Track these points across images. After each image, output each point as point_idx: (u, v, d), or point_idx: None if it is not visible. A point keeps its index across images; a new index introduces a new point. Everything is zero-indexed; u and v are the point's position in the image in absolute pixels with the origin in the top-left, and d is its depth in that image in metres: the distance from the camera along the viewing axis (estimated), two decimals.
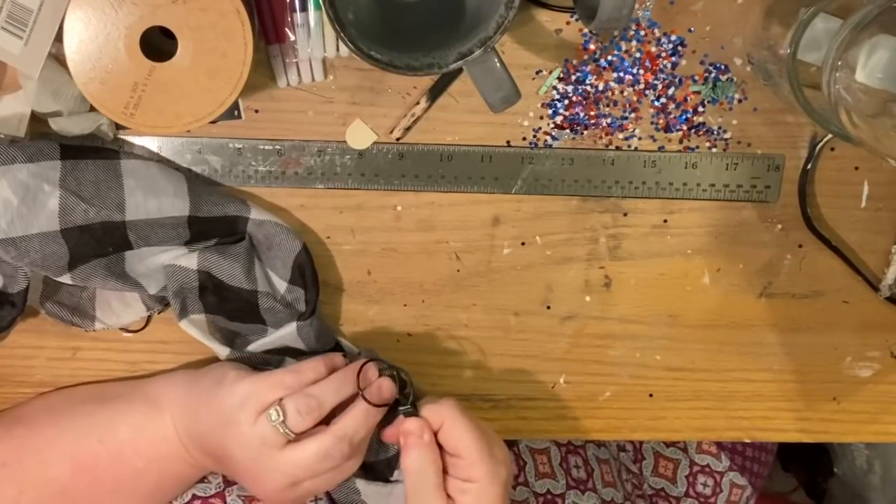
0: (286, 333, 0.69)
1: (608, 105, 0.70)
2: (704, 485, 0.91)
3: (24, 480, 0.66)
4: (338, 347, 0.72)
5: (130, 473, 0.67)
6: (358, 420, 0.63)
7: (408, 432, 0.63)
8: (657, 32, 0.68)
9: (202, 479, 0.71)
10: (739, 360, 0.76)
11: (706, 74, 0.69)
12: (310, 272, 0.69)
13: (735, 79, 0.70)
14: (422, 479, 0.63)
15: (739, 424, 0.78)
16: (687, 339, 0.76)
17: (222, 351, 0.69)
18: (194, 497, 0.70)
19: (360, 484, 0.70)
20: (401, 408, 0.65)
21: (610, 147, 0.71)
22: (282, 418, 0.61)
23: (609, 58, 0.69)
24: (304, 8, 0.65)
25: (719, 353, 0.76)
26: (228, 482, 0.71)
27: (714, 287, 0.74)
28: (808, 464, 1.43)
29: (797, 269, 0.74)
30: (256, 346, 0.69)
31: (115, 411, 0.68)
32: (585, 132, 0.70)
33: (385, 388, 0.64)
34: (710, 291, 0.75)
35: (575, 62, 0.69)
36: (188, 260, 0.67)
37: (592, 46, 0.68)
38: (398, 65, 0.58)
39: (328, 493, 0.71)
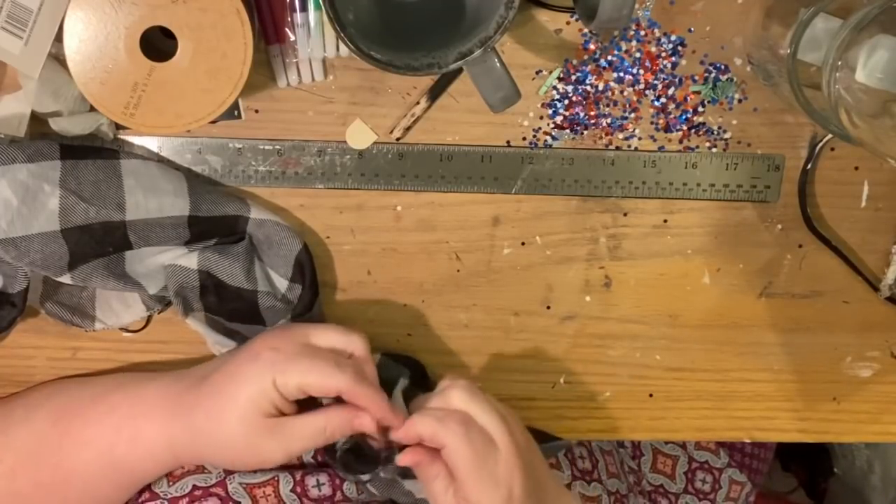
0: None
1: (608, 105, 0.70)
2: (703, 481, 0.90)
3: (6, 447, 0.66)
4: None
5: (105, 433, 0.65)
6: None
7: (413, 463, 0.63)
8: (657, 32, 0.68)
9: (203, 470, 0.70)
10: (739, 360, 0.76)
11: (706, 74, 0.69)
12: (309, 271, 0.69)
13: (735, 79, 0.70)
14: (432, 492, 0.63)
15: (739, 424, 0.78)
16: (687, 339, 0.76)
17: (230, 345, 0.69)
18: (195, 487, 0.70)
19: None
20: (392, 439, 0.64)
21: (610, 147, 0.71)
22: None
23: (609, 58, 0.69)
24: (304, 8, 0.65)
25: (719, 353, 0.76)
26: (229, 471, 0.71)
27: (714, 287, 0.74)
28: (808, 464, 1.43)
29: (797, 269, 0.75)
30: None
31: (117, 380, 0.68)
32: (585, 132, 0.70)
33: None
34: (710, 291, 0.75)
35: (575, 62, 0.69)
36: (188, 260, 0.67)
37: (592, 46, 0.68)
38: (398, 65, 0.58)
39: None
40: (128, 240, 0.66)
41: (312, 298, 0.70)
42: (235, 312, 0.69)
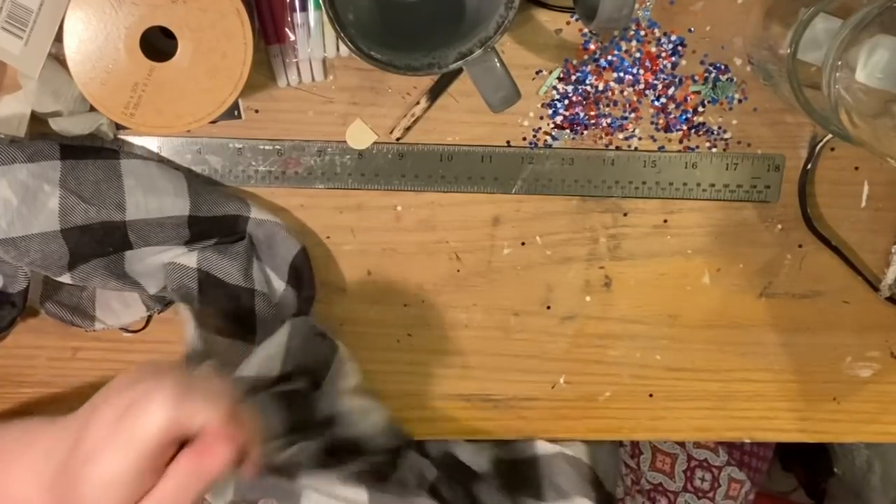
0: (277, 341, 0.67)
1: (608, 105, 0.70)
2: (702, 479, 0.90)
3: None
4: (333, 353, 0.71)
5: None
6: None
7: None
8: (657, 32, 0.68)
9: None
10: (739, 360, 0.76)
11: (706, 74, 0.69)
12: (306, 274, 0.69)
13: (735, 79, 0.70)
14: None
15: (740, 424, 0.78)
16: (687, 339, 0.76)
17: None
18: None
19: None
20: None
21: (610, 147, 0.71)
22: None
23: (609, 58, 0.69)
24: (304, 8, 0.65)
25: (719, 353, 0.76)
26: None
27: (714, 287, 0.74)
28: (808, 464, 1.43)
29: (797, 269, 0.75)
30: (240, 371, 0.65)
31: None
32: (585, 132, 0.70)
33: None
34: (710, 291, 0.75)
35: (575, 62, 0.69)
36: (188, 258, 0.67)
37: (592, 46, 0.68)
38: (398, 65, 0.58)
39: None
40: (128, 240, 0.66)
41: (308, 302, 0.70)
42: (231, 313, 0.69)
